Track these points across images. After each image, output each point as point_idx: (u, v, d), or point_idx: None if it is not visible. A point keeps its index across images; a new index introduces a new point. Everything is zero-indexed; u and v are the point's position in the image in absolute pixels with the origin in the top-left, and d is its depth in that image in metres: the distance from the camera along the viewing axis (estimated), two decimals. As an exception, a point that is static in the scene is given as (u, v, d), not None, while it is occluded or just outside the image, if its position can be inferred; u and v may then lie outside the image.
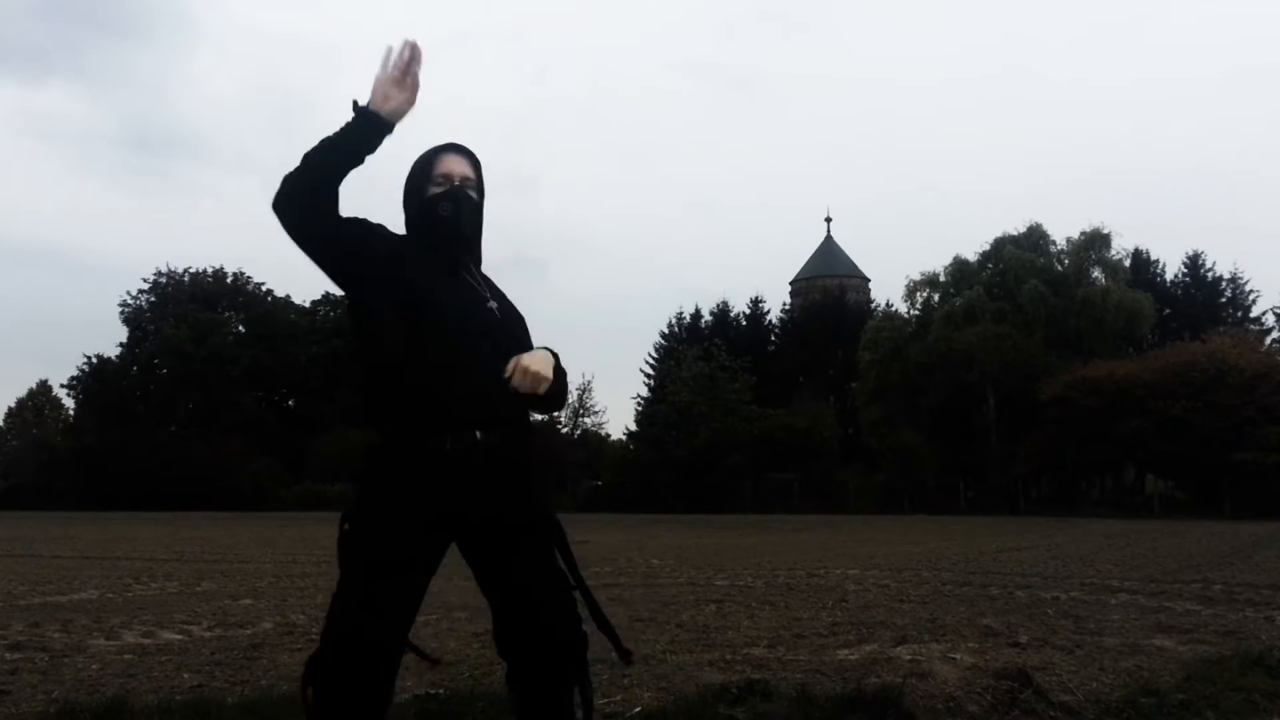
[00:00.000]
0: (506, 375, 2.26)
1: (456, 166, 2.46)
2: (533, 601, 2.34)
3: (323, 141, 2.27)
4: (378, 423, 2.34)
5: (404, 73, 2.31)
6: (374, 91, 2.30)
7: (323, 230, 2.27)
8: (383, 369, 2.30)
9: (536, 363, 2.28)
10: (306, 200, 2.25)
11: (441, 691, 3.74)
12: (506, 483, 2.34)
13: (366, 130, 2.28)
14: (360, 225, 2.33)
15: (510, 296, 2.56)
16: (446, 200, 2.41)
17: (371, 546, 2.24)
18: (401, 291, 2.28)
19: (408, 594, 2.26)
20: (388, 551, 2.23)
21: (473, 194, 2.47)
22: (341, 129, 2.29)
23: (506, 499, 2.34)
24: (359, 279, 2.33)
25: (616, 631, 2.44)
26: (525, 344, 2.42)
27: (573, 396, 55.58)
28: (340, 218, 2.29)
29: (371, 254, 2.31)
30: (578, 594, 2.41)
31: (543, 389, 2.29)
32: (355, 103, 2.30)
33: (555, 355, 2.42)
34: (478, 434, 2.28)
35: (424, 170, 2.46)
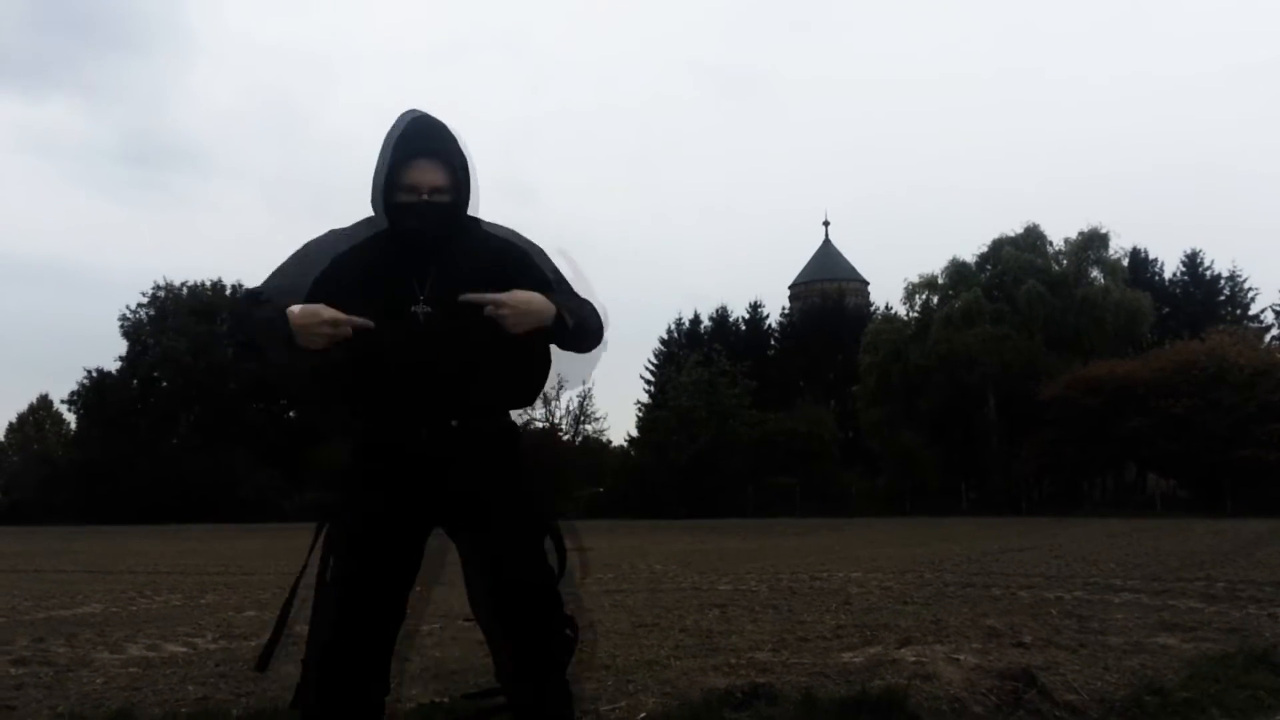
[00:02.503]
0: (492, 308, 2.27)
1: (425, 176, 2.36)
2: (504, 582, 2.38)
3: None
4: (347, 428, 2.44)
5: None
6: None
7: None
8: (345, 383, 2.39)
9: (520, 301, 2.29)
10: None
11: (446, 700, 3.74)
12: (478, 469, 2.41)
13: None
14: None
15: None
16: (413, 217, 2.35)
17: (363, 541, 2.34)
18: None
19: (399, 590, 2.38)
20: (380, 545, 2.33)
21: (445, 199, 2.38)
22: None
23: (482, 483, 2.41)
24: None
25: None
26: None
27: (574, 402, 55.95)
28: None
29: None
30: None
31: (520, 328, 2.28)
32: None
33: (566, 304, 2.42)
34: (453, 422, 2.36)
35: (392, 170, 2.36)
